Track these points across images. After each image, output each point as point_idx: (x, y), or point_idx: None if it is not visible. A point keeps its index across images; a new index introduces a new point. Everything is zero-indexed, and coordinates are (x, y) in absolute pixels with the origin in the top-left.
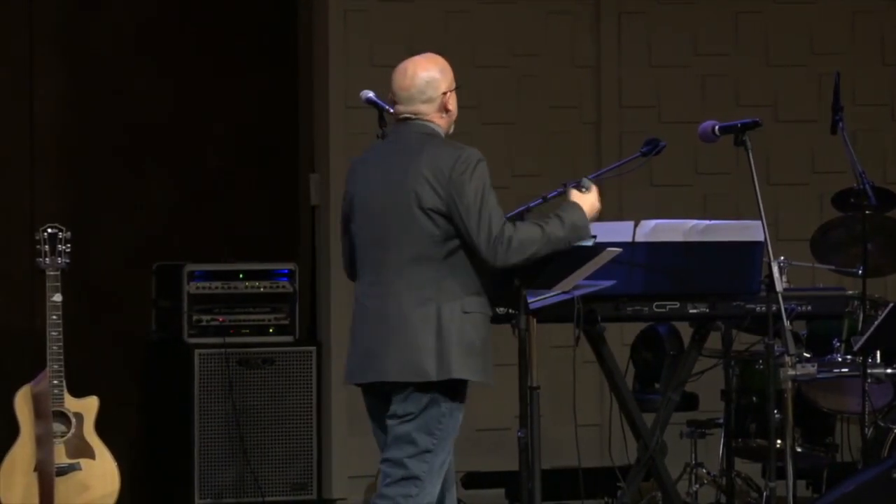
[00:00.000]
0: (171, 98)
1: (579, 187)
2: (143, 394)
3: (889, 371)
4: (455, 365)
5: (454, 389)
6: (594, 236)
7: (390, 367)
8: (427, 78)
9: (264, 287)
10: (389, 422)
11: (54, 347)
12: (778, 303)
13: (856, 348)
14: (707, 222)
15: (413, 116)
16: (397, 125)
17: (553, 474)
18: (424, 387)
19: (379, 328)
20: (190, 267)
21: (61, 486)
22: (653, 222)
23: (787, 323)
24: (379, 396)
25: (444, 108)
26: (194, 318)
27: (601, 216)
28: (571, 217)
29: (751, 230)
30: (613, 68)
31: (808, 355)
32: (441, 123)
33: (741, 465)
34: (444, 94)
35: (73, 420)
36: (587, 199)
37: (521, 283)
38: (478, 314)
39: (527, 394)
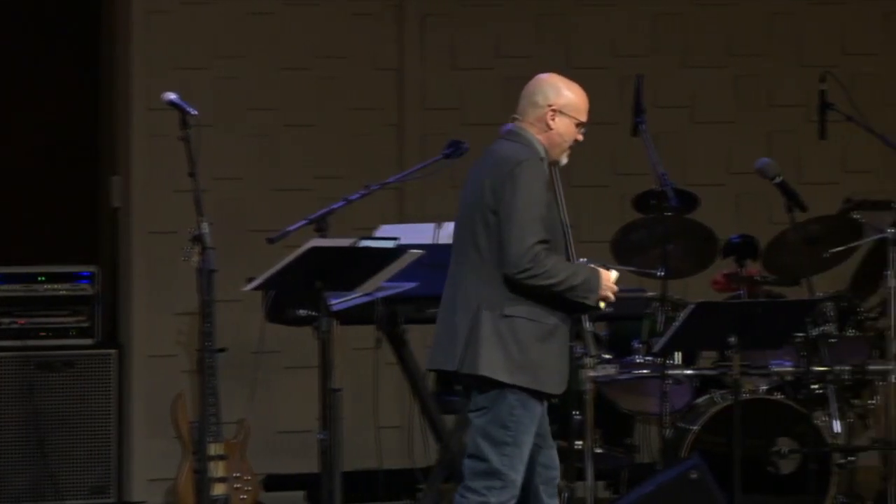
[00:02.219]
0: None
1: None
2: None
3: (688, 372)
4: (483, 360)
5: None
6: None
7: (439, 354)
8: (541, 85)
9: (65, 290)
10: (469, 414)
11: None
12: None
13: (656, 350)
14: None
15: (518, 117)
16: None
17: (354, 476)
18: (486, 381)
19: (442, 317)
20: None
21: None
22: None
23: (587, 324)
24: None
25: (546, 122)
26: None
27: (404, 219)
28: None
29: None
30: (416, 70)
31: (608, 356)
32: (538, 135)
33: None
34: (551, 108)
35: None
36: (607, 275)
37: (322, 285)
38: (520, 319)
39: (328, 396)
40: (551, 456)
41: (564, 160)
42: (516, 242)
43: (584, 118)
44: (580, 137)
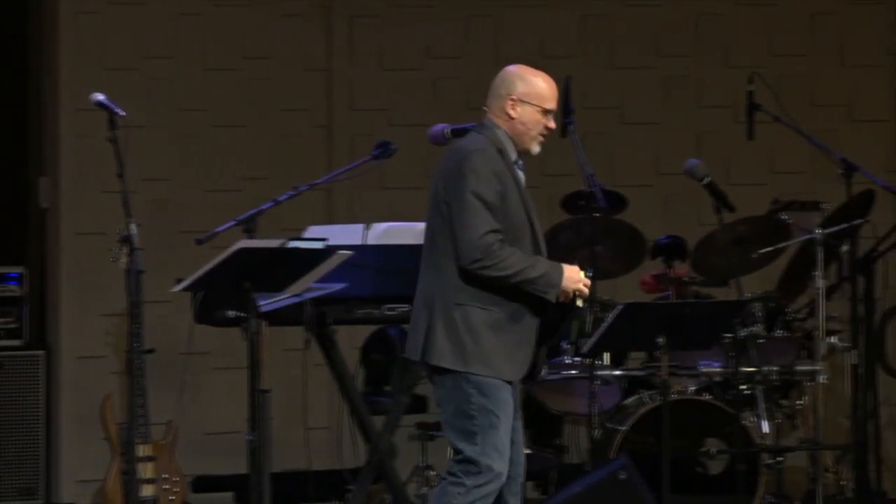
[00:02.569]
0: None
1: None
2: None
3: (617, 373)
4: (436, 350)
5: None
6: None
7: (408, 345)
8: (505, 76)
9: None
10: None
11: None
12: None
13: (584, 350)
14: None
15: (486, 109)
16: None
17: (283, 477)
18: (441, 370)
19: (412, 310)
20: None
21: None
22: (384, 225)
23: None
24: None
25: (507, 112)
26: None
27: (332, 220)
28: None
29: None
30: (345, 71)
31: None
32: (503, 126)
33: None
34: (511, 97)
35: None
36: (572, 269)
37: (251, 286)
38: (472, 307)
39: (257, 397)
40: (517, 452)
41: (536, 149)
42: (466, 233)
43: (548, 105)
44: (550, 124)
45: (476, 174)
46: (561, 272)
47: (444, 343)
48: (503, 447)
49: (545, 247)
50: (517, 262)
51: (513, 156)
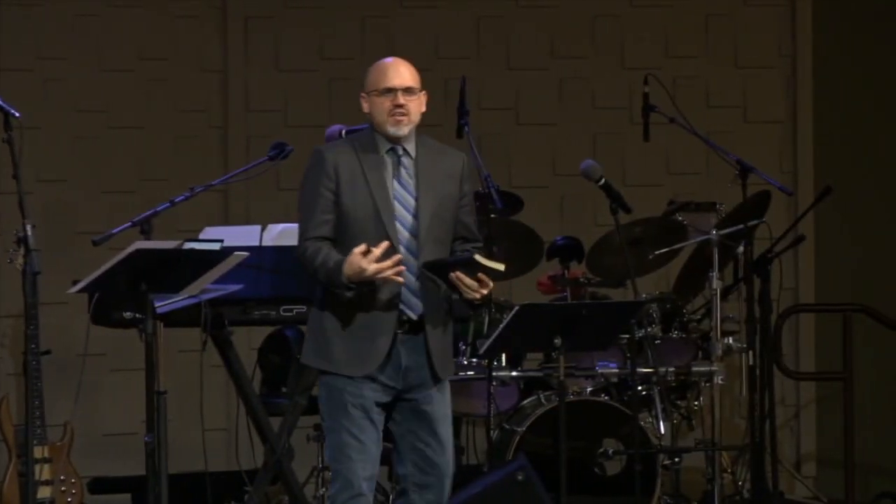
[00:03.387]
0: None
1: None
2: None
3: (514, 374)
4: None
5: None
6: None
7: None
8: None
9: None
10: None
11: None
12: None
13: (481, 351)
14: None
15: None
16: None
17: (181, 479)
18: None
19: None
20: None
21: None
22: (280, 226)
23: None
24: None
25: (364, 111)
26: None
27: (228, 221)
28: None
29: None
30: (240, 72)
31: None
32: (371, 123)
33: None
34: (362, 96)
35: None
36: (353, 256)
37: (147, 287)
38: (318, 308)
39: (153, 398)
40: (428, 458)
41: (398, 130)
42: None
43: (382, 85)
44: (399, 101)
45: (305, 180)
46: (340, 266)
47: (306, 343)
48: (357, 452)
49: (403, 235)
50: (311, 264)
51: (385, 147)
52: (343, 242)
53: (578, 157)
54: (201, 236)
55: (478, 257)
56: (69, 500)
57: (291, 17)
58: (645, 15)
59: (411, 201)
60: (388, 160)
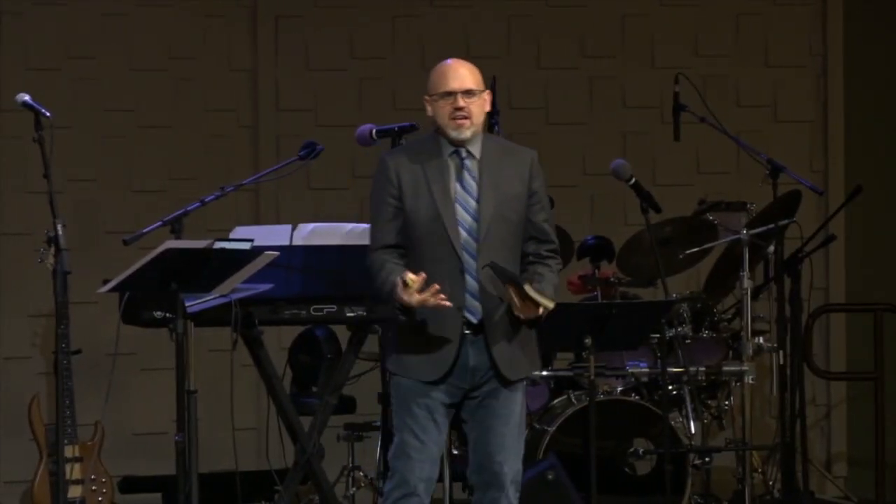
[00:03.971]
0: None
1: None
2: None
3: (544, 373)
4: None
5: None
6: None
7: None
8: None
9: None
10: None
11: None
12: None
13: None
14: (364, 226)
15: None
16: None
17: (211, 478)
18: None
19: None
20: None
21: None
22: (311, 226)
23: None
24: None
25: (428, 115)
26: None
27: (259, 220)
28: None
29: None
30: (270, 72)
31: None
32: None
33: None
34: (425, 99)
35: None
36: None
37: (177, 287)
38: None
39: (184, 397)
40: (489, 455)
41: (460, 134)
42: None
43: (442, 88)
44: (459, 103)
45: (372, 189)
46: (392, 294)
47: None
48: (415, 452)
49: (461, 244)
50: (376, 279)
51: (448, 150)
52: (410, 247)
53: (608, 157)
54: (232, 236)
55: (527, 287)
56: (99, 499)
57: (321, 16)
58: (675, 14)
59: (473, 204)
60: (451, 163)
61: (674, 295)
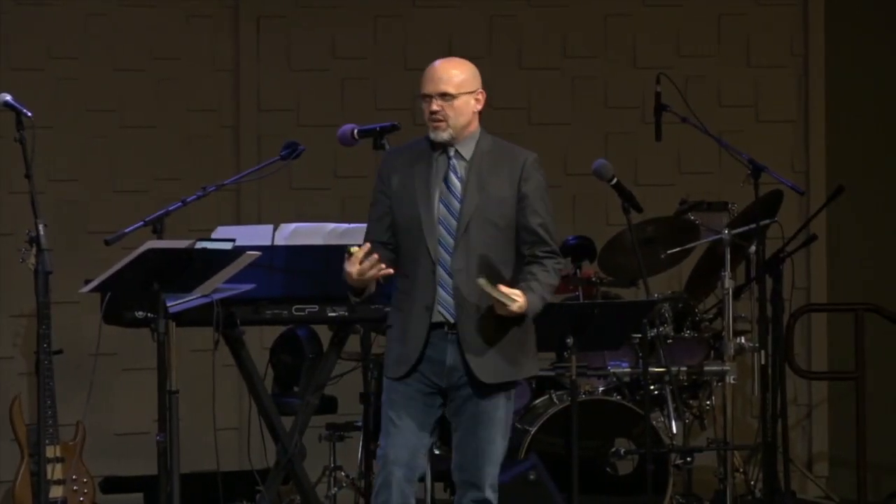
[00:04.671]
0: None
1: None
2: None
3: None
4: None
5: None
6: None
7: None
8: None
9: None
10: None
11: None
12: None
13: None
14: (346, 226)
15: None
16: None
17: (193, 478)
18: None
19: None
20: None
21: None
22: (292, 226)
23: None
24: None
25: None
26: None
27: (241, 220)
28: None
29: None
30: (253, 72)
31: None
32: None
33: None
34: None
35: None
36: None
37: (159, 287)
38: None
39: (166, 397)
40: (465, 457)
41: (437, 136)
42: None
43: (422, 90)
44: (432, 107)
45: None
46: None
47: None
48: (395, 439)
49: (436, 244)
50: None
51: (438, 149)
52: (397, 245)
53: (590, 157)
54: (213, 236)
55: (480, 281)
56: (81, 499)
57: (304, 16)
58: (657, 14)
59: (456, 204)
60: (439, 163)
61: (655, 295)
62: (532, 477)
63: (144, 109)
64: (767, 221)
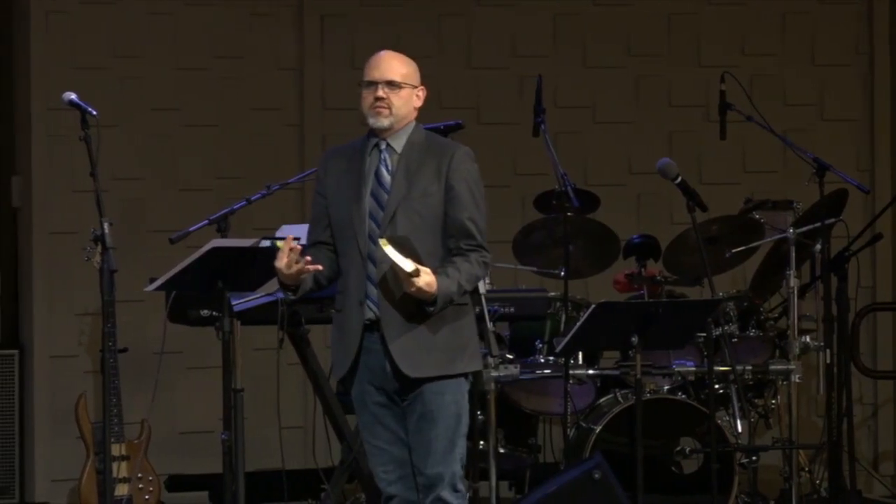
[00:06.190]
0: None
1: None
2: None
3: (590, 372)
4: None
5: None
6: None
7: None
8: None
9: None
10: None
11: None
12: (481, 304)
13: (558, 350)
14: None
15: None
16: None
17: (257, 476)
18: None
19: None
20: None
21: None
22: None
23: (489, 324)
24: None
25: None
26: None
27: (304, 219)
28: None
29: None
30: (316, 70)
31: (510, 357)
32: None
33: None
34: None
35: None
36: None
37: (224, 285)
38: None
39: (230, 396)
40: (419, 459)
41: (378, 122)
42: None
43: (366, 77)
44: (378, 93)
45: None
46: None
47: None
48: (374, 451)
49: (367, 240)
50: None
51: (371, 143)
52: (336, 242)
53: (655, 156)
54: (278, 234)
55: (381, 240)
56: (146, 497)
57: (367, 14)
58: (721, 13)
59: (384, 196)
60: (372, 157)
61: (720, 294)
62: (597, 476)
63: (208, 108)
64: (832, 220)
